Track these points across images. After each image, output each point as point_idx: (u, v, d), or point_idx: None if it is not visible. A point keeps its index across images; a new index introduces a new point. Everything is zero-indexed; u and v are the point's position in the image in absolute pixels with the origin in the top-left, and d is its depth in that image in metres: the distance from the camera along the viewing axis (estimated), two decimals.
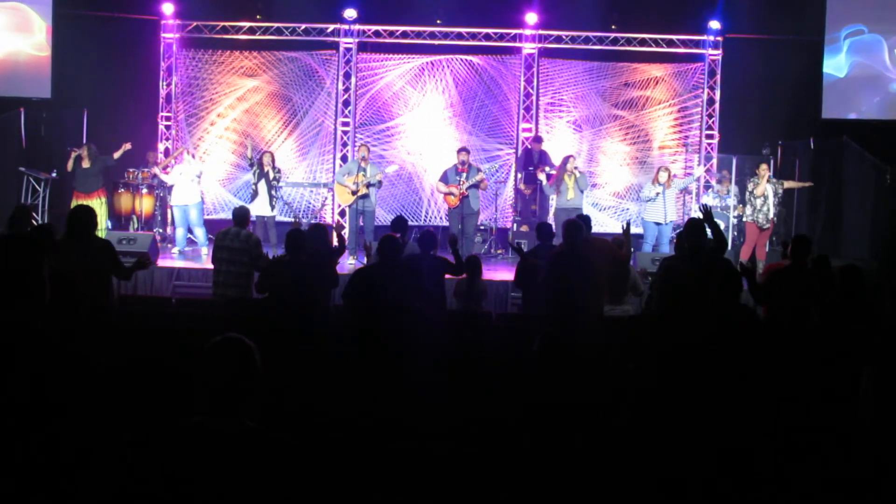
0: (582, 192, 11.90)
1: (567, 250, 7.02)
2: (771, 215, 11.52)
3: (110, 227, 12.34)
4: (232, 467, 2.71)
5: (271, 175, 11.80)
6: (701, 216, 6.74)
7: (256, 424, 2.79)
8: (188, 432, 2.74)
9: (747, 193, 11.72)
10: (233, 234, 8.33)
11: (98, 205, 12.06)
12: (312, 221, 12.95)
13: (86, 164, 12.00)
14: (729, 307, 5.49)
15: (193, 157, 12.25)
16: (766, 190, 11.47)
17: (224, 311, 7.53)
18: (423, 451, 3.85)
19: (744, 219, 11.89)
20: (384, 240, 6.86)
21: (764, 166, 11.73)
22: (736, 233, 12.76)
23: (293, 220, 11.68)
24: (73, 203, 11.84)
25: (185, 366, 2.91)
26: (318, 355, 5.43)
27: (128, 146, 12.27)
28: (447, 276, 7.87)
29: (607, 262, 7.53)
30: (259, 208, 11.79)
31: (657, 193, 11.66)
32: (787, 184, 12.06)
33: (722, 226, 12.75)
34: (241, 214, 8.56)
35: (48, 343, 2.96)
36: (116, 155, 12.27)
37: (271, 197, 11.82)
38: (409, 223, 9.32)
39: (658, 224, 11.71)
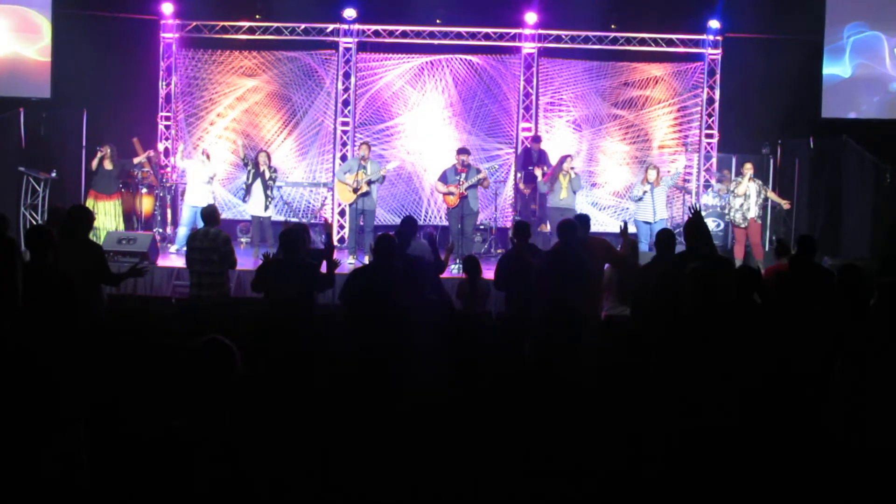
0: (575, 192, 11.91)
1: (562, 250, 7.01)
2: (750, 214, 11.59)
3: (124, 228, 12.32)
4: (214, 467, 2.72)
5: (267, 175, 11.80)
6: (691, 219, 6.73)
7: (235, 423, 2.80)
8: (170, 434, 2.75)
9: (730, 193, 11.83)
10: (202, 234, 8.29)
11: (116, 206, 12.11)
12: (301, 220, 12.95)
13: (108, 165, 12.06)
14: (746, 305, 5.49)
15: (209, 157, 12.23)
16: (747, 189, 11.54)
17: (223, 310, 7.54)
18: (422, 450, 3.86)
19: (726, 217, 12.00)
20: (380, 239, 6.86)
21: (748, 165, 11.80)
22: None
23: (285, 220, 11.66)
24: (92, 203, 11.84)
25: (171, 368, 2.92)
26: (315, 353, 5.44)
27: (151, 153, 12.34)
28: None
29: (604, 262, 7.53)
30: (254, 208, 11.80)
31: (644, 192, 11.71)
32: (770, 193, 12.10)
33: (721, 226, 12.80)
34: (209, 213, 8.50)
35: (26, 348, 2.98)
36: (136, 160, 12.32)
37: (266, 197, 11.81)
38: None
39: (648, 223, 11.73)
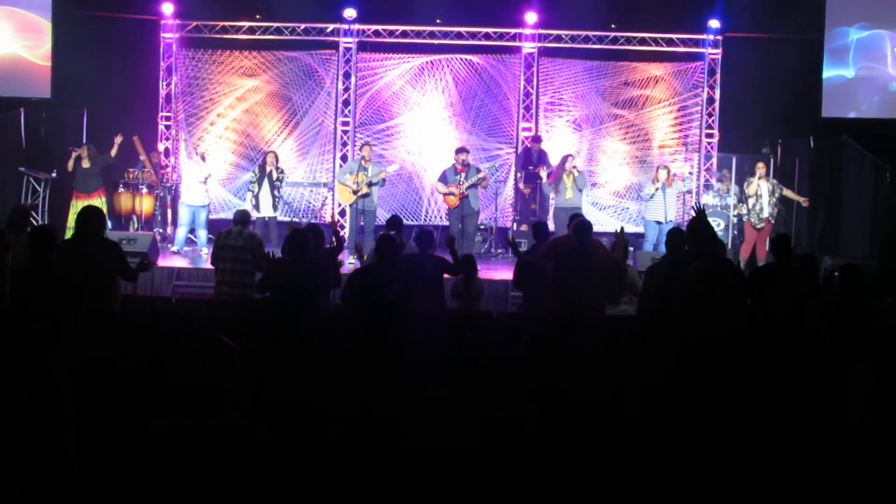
0: (580, 191, 11.92)
1: (577, 249, 7.03)
2: (765, 214, 11.52)
3: (110, 227, 12.33)
4: (214, 465, 2.71)
5: (275, 175, 11.85)
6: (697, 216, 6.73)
7: (239, 421, 2.79)
8: (169, 432, 2.75)
9: (743, 193, 11.80)
10: (235, 234, 8.36)
11: (98, 205, 12.06)
12: (312, 221, 12.96)
13: (86, 163, 12.04)
14: (734, 307, 5.48)
15: (203, 158, 12.25)
16: (758, 189, 11.49)
17: (224, 310, 7.54)
18: (422, 450, 3.85)
19: (743, 218, 11.93)
20: (382, 239, 6.86)
21: (760, 165, 11.76)
22: (736, 232, 12.76)
23: (290, 220, 11.66)
24: (73, 203, 11.87)
25: (172, 366, 2.92)
26: (317, 355, 5.43)
27: (119, 139, 12.24)
28: (445, 275, 7.88)
29: (602, 262, 7.55)
30: (263, 209, 11.82)
31: (656, 189, 11.70)
32: (787, 192, 12.06)
33: (722, 225, 12.79)
34: (242, 214, 8.65)
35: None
36: (113, 152, 12.29)
37: (274, 198, 11.86)
38: (410, 222, 9.32)
39: (658, 223, 11.72)
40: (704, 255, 6.27)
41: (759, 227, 11.53)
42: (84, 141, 12.80)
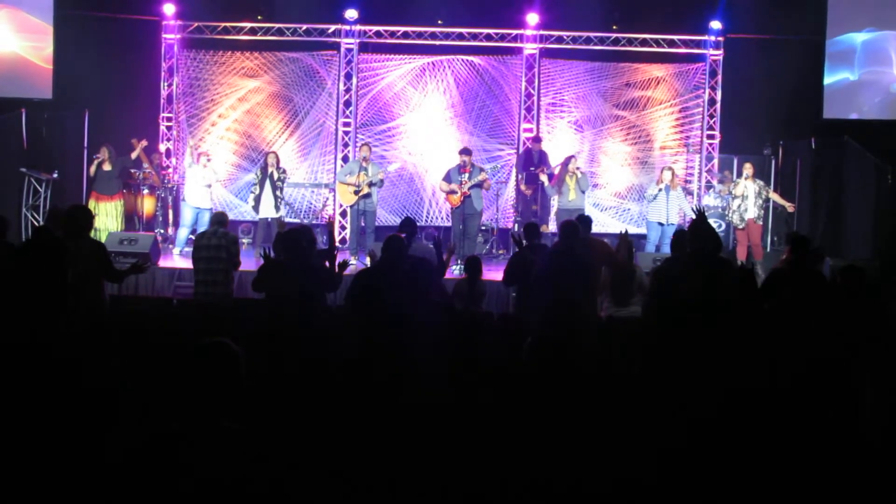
0: (583, 192, 11.91)
1: (564, 250, 7.02)
2: (749, 215, 11.58)
3: (124, 228, 12.33)
4: (213, 470, 2.70)
5: (276, 176, 11.86)
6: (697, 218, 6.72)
7: (238, 426, 2.78)
8: (168, 438, 2.73)
9: (729, 194, 11.88)
10: (210, 234, 8.59)
11: (118, 206, 12.14)
12: (304, 222, 12.96)
13: (107, 166, 12.10)
14: (746, 306, 5.48)
15: (209, 158, 12.29)
16: (744, 190, 11.54)
17: (224, 311, 7.54)
18: (423, 450, 3.85)
19: (725, 218, 12.05)
20: (389, 240, 6.84)
21: (747, 165, 11.82)
22: None
23: (279, 218, 11.59)
24: (94, 205, 11.88)
25: (174, 368, 2.90)
26: (318, 356, 5.44)
27: (144, 143, 12.37)
28: None
29: (605, 262, 7.53)
30: (264, 211, 11.83)
31: (659, 190, 11.70)
32: (773, 195, 12.08)
33: (723, 226, 12.79)
34: (219, 216, 8.87)
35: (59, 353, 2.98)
36: (133, 155, 12.36)
37: (276, 198, 11.86)
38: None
39: (661, 224, 11.73)
40: (703, 258, 6.26)
41: (740, 227, 11.62)
42: (85, 142, 12.83)
